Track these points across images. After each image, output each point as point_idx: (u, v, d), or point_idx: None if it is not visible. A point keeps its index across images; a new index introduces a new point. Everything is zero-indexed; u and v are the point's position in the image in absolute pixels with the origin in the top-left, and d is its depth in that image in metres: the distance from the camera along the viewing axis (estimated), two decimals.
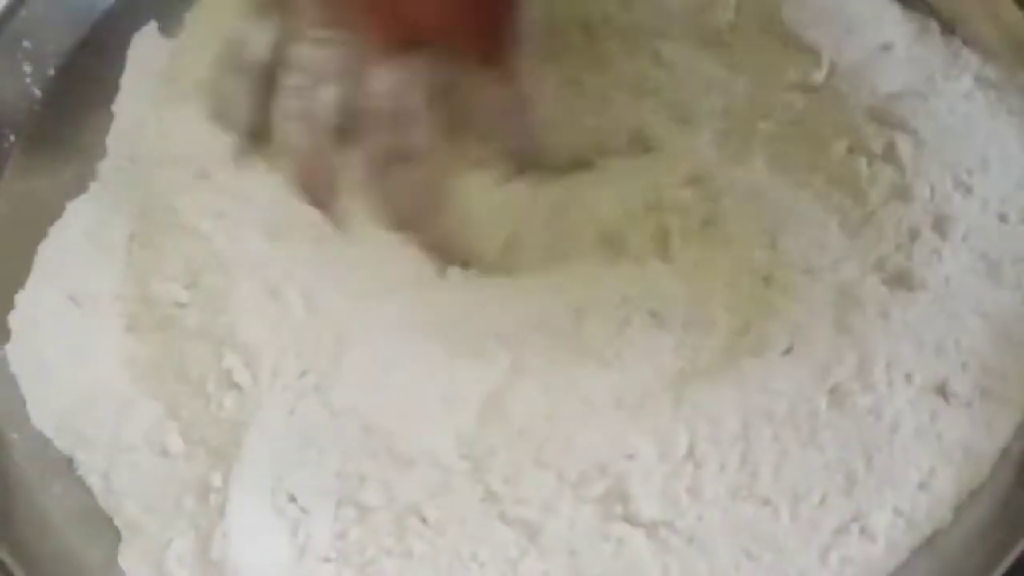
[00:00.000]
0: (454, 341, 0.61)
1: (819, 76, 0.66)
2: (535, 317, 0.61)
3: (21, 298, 0.64)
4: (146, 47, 0.72)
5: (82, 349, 0.63)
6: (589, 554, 0.56)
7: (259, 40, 0.63)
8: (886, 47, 0.66)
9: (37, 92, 0.70)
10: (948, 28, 0.66)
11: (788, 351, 0.59)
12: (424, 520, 0.57)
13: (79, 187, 0.68)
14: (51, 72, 0.70)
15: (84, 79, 0.71)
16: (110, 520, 0.60)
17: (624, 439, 0.57)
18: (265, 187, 0.65)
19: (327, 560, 0.57)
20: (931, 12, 0.67)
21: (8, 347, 0.63)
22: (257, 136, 0.65)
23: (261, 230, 0.64)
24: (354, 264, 0.63)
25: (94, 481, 0.61)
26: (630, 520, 0.56)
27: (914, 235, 0.60)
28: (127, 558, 0.58)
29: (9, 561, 0.56)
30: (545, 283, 0.62)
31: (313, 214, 0.64)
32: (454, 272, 0.63)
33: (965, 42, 0.65)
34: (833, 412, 0.57)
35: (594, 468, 0.57)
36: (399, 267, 0.63)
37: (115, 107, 0.70)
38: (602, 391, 0.59)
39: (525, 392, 0.59)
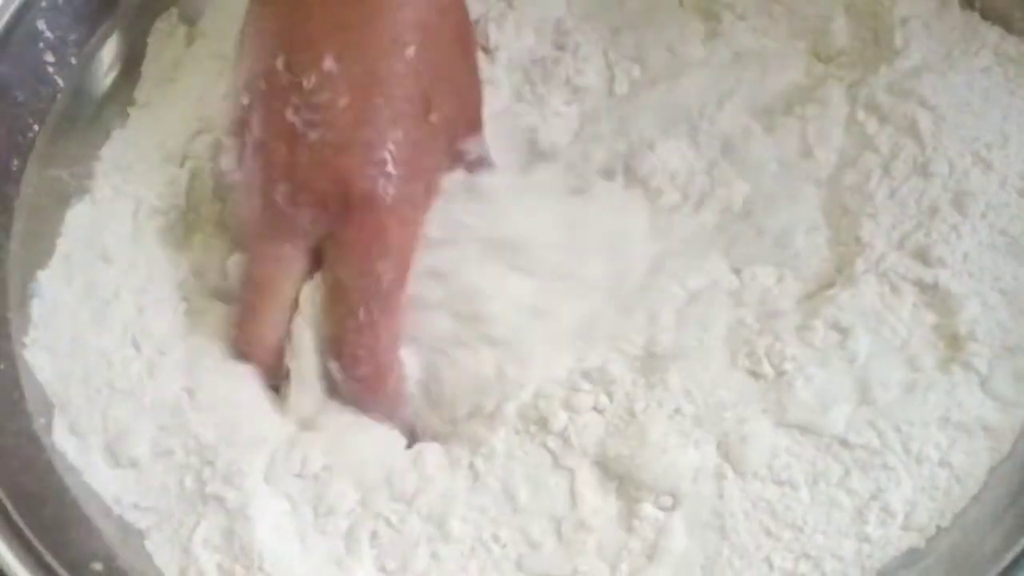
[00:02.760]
0: None
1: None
2: None
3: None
4: (167, 34, 0.72)
5: (100, 332, 0.63)
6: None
7: None
8: (904, 21, 0.66)
9: (60, 81, 0.70)
10: (967, 2, 0.66)
11: None
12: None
13: (102, 175, 0.68)
14: (73, 61, 0.71)
15: (106, 67, 0.72)
16: (137, 504, 0.60)
17: None
18: None
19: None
20: None
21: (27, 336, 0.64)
22: None
23: None
24: None
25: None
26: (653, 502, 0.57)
27: (933, 211, 0.60)
28: (154, 541, 0.59)
29: (38, 544, 0.57)
30: None
31: None
32: None
33: (984, 17, 0.65)
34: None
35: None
36: None
37: (137, 94, 0.71)
38: None
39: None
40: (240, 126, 0.61)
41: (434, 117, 0.60)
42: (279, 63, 0.58)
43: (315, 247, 0.60)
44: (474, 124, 0.63)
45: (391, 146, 0.58)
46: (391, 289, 0.59)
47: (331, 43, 0.58)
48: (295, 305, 0.61)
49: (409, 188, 0.59)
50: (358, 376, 0.59)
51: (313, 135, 0.58)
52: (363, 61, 0.58)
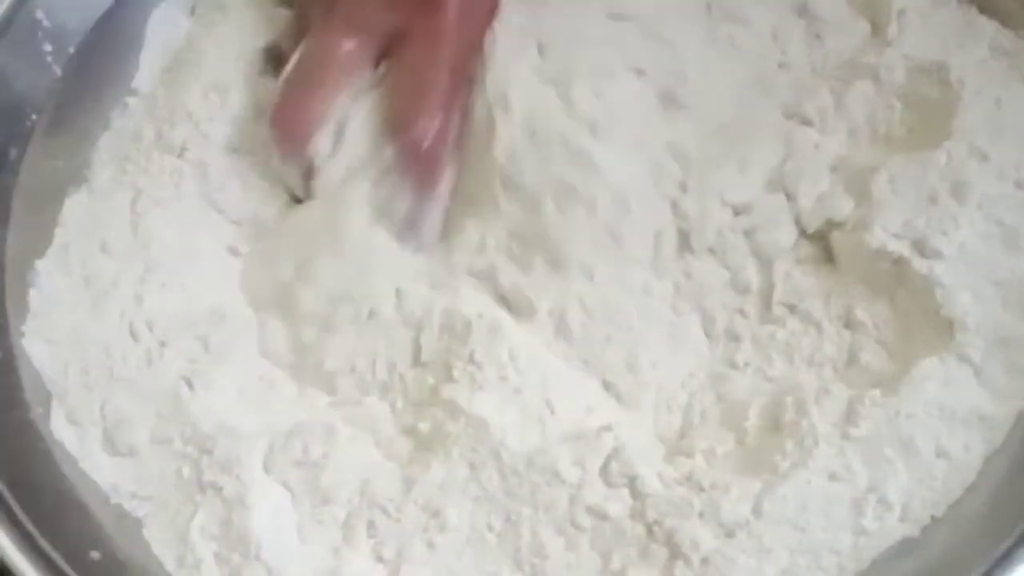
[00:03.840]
0: None
1: None
2: None
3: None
4: (165, 24, 0.72)
5: (98, 321, 0.64)
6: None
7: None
8: (901, 12, 0.66)
9: (57, 71, 0.70)
10: None
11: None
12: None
13: (100, 165, 0.68)
14: (71, 50, 0.71)
15: (104, 57, 0.72)
16: (135, 492, 0.60)
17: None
18: None
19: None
20: None
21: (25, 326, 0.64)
22: None
23: None
24: None
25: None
26: None
27: (931, 202, 0.60)
28: (151, 530, 0.59)
29: (36, 533, 0.57)
30: None
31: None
32: None
33: (981, 10, 0.65)
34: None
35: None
36: None
37: (135, 84, 0.71)
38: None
39: None
40: None
41: None
42: None
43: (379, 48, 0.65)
44: None
45: None
46: (458, 69, 0.64)
47: None
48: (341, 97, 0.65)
49: None
50: (421, 149, 0.63)
51: None
52: None
